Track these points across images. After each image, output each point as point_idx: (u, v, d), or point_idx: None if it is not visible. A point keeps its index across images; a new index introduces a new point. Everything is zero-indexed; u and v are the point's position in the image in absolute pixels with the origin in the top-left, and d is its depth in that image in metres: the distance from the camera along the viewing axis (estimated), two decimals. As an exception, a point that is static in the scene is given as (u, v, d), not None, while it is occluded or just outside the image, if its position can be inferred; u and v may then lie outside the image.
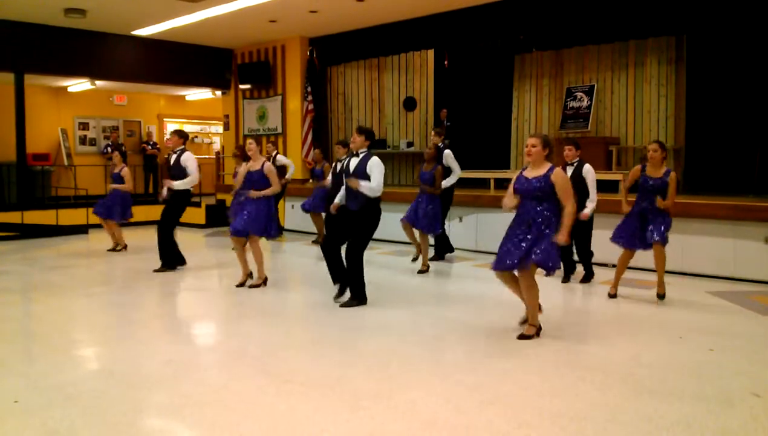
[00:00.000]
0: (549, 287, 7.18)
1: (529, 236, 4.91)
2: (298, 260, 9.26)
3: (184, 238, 11.96)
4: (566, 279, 7.40)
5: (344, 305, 6.15)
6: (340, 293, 6.35)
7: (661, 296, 6.35)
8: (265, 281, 7.13)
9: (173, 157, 8.03)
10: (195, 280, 7.97)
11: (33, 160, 13.78)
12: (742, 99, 9.58)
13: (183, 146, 8.04)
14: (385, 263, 8.89)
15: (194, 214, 13.58)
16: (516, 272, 5.01)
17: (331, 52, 12.91)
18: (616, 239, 6.40)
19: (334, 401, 3.74)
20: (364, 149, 6.14)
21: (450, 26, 10.81)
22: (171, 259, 8.18)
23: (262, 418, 3.53)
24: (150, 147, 15.78)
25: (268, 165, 7.08)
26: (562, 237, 4.82)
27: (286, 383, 4.05)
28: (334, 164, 9.42)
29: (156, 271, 8.04)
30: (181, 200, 7.98)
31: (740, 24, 9.08)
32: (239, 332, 5.48)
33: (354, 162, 6.14)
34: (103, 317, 5.99)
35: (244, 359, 4.63)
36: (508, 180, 11.13)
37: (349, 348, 4.92)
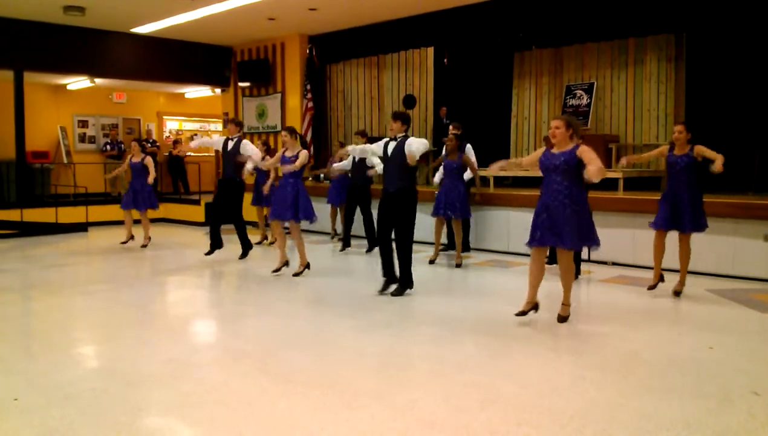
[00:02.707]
0: (549, 285, 7.19)
1: (565, 219, 5.16)
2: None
3: (184, 235, 11.97)
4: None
5: (394, 293, 6.46)
6: (385, 287, 6.60)
7: (677, 293, 6.43)
8: (308, 266, 7.61)
9: (231, 143, 8.64)
10: (195, 278, 7.97)
11: (32, 158, 13.75)
12: (741, 97, 9.56)
13: (239, 134, 8.74)
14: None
15: (194, 212, 13.58)
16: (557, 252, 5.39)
17: (331, 49, 12.89)
18: (654, 225, 6.47)
19: (334, 400, 3.74)
20: (402, 133, 6.43)
21: (449, 24, 10.79)
22: (247, 241, 8.89)
23: (262, 417, 3.53)
24: (149, 145, 15.76)
25: (304, 152, 7.46)
26: (593, 170, 4.96)
27: (285, 382, 4.05)
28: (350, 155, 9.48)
29: (241, 257, 8.84)
30: (235, 189, 8.66)
31: (740, 22, 9.06)
32: (239, 330, 5.48)
33: (392, 145, 6.45)
34: (102, 315, 5.99)
35: (244, 358, 4.63)
36: (507, 178, 11.21)
37: (348, 347, 4.92)
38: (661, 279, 6.60)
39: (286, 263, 7.68)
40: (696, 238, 6.58)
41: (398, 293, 6.47)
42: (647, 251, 7.01)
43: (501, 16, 10.20)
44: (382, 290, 6.58)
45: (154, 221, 12.68)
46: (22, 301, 6.94)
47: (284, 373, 4.24)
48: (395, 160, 6.37)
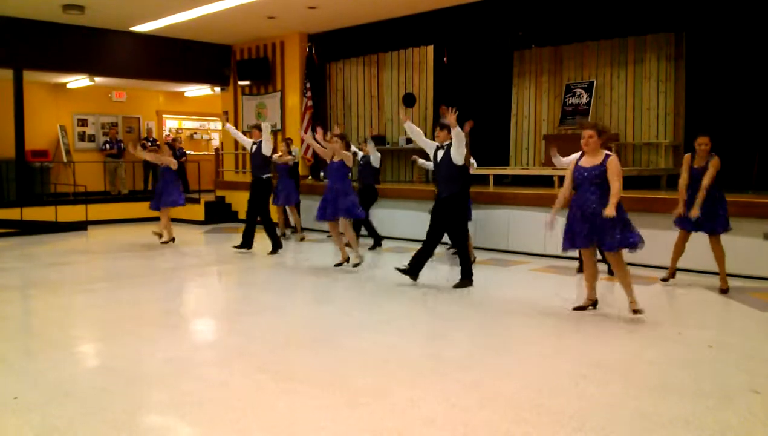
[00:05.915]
0: (548, 283, 7.20)
1: (600, 223, 5.27)
2: (302, 257, 9.25)
3: (183, 234, 11.95)
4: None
5: (456, 285, 6.78)
6: (407, 272, 6.92)
7: (723, 291, 6.52)
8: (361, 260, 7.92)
9: (254, 148, 9.10)
10: (195, 276, 7.97)
11: (32, 156, 13.75)
12: (741, 96, 9.56)
13: (261, 139, 9.08)
14: (385, 259, 8.90)
15: (193, 211, 13.57)
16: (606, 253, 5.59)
17: (330, 48, 12.88)
18: (677, 223, 6.67)
19: (334, 398, 3.75)
20: (449, 141, 6.67)
21: (449, 22, 10.79)
22: (276, 239, 9.11)
23: (262, 415, 3.53)
24: (149, 144, 15.74)
25: (348, 154, 7.90)
26: (610, 210, 5.13)
27: (285, 380, 4.06)
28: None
29: (270, 253, 8.99)
30: (263, 188, 9.03)
31: (740, 21, 9.07)
32: (239, 329, 5.48)
33: (441, 153, 6.78)
34: (102, 314, 5.99)
35: (244, 356, 4.63)
36: (507, 177, 11.19)
37: (348, 345, 4.92)
38: (673, 275, 6.89)
39: (347, 260, 7.92)
40: (695, 236, 6.60)
41: (459, 284, 6.79)
42: (647, 250, 7.00)
43: (501, 14, 10.20)
44: (403, 270, 6.91)
45: (153, 220, 12.67)
46: (21, 299, 6.93)
47: (284, 371, 4.24)
48: (444, 167, 6.70)
